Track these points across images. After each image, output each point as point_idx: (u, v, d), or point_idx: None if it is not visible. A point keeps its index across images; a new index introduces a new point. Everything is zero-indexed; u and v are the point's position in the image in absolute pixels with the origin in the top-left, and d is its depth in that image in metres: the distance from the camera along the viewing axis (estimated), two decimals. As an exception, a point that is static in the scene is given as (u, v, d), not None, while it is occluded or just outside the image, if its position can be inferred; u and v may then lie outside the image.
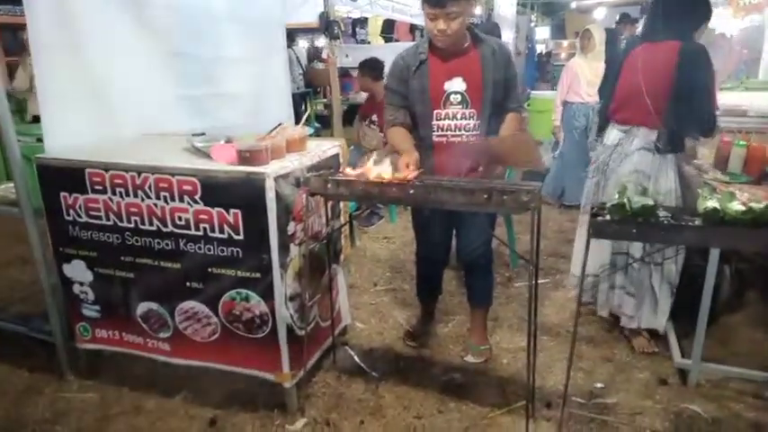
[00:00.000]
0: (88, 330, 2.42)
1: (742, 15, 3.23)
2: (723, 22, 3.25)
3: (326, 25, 4.48)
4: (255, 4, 3.58)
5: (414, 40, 12.04)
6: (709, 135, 2.44)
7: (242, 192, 1.97)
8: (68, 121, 2.41)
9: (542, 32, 16.16)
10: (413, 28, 12.31)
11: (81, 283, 2.35)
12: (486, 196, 1.79)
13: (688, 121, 2.35)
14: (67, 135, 2.38)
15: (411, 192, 1.91)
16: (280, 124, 2.17)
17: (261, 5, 3.63)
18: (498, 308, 3.05)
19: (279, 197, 1.98)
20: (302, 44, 9.29)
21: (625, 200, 1.64)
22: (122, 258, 2.23)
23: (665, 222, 1.63)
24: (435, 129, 2.31)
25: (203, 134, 2.56)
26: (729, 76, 3.53)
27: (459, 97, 2.27)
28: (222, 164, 2.04)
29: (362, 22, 11.22)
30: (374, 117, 4.61)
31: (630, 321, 2.65)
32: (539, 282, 3.51)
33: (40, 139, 2.45)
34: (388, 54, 6.92)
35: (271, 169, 1.95)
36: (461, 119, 2.28)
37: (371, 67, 4.69)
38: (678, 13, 2.36)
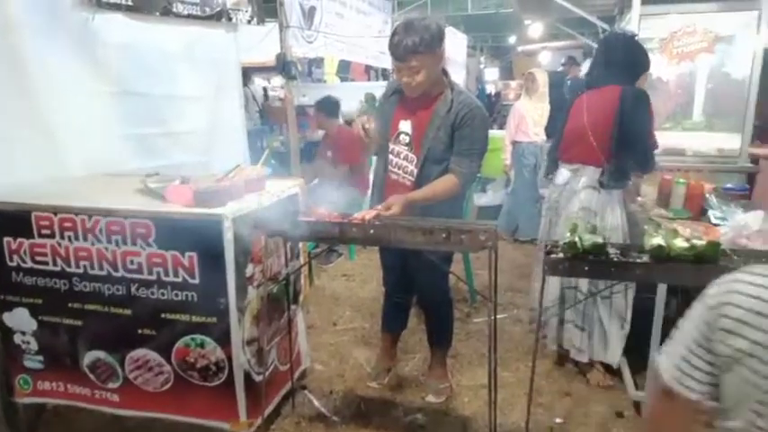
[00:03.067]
0: (29, 383, 2.28)
1: (676, 61, 3.47)
2: (660, 67, 3.48)
3: (284, 65, 4.52)
4: (209, 43, 3.60)
5: (369, 79, 12.33)
6: (649, 171, 2.61)
7: (198, 234, 1.93)
8: (15, 162, 2.33)
9: (491, 74, 16.83)
10: (368, 68, 12.62)
11: (23, 333, 2.22)
12: (444, 235, 1.82)
13: (629, 158, 2.49)
14: (13, 176, 2.29)
15: (371, 231, 1.92)
16: (237, 165, 2.16)
17: (214, 44, 3.66)
18: (458, 344, 3.06)
19: (237, 239, 1.95)
20: (258, 82, 9.32)
21: (576, 238, 1.70)
22: (70, 305, 2.12)
23: (615, 260, 1.70)
24: (390, 162, 2.35)
25: (157, 174, 2.52)
26: (668, 117, 3.76)
27: (407, 138, 2.31)
28: (177, 205, 2.00)
29: (318, 61, 11.42)
30: (328, 153, 4.65)
31: (580, 354, 2.71)
32: (497, 317, 3.63)
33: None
34: (344, 93, 7.07)
35: (228, 210, 1.93)
36: (404, 160, 2.32)
37: (327, 106, 4.76)
38: (620, 63, 2.53)
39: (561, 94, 6.10)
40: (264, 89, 9.48)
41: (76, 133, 2.61)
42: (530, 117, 4.96)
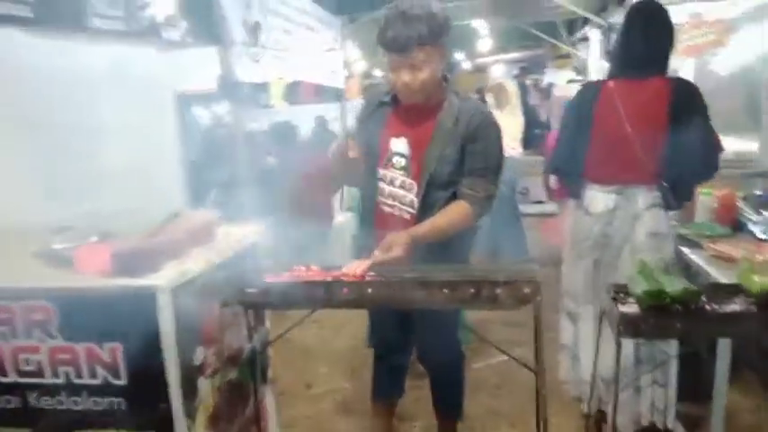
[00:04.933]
0: None
1: (683, 57, 3.14)
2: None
3: (230, 89, 3.97)
4: (137, 64, 3.02)
5: (320, 102, 11.86)
6: (711, 178, 2.10)
7: (121, 316, 1.36)
8: None
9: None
10: (318, 90, 12.17)
11: None
12: (472, 290, 1.32)
13: (691, 167, 2.00)
14: None
15: (370, 291, 1.40)
16: (176, 213, 1.60)
17: (143, 65, 3.08)
18: (462, 401, 2.55)
19: (179, 316, 1.38)
20: (197, 111, 8.66)
21: (662, 282, 1.23)
22: (-61, 427, 1.49)
23: (718, 312, 1.24)
24: (380, 191, 1.83)
25: (69, 228, 1.91)
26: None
27: (403, 161, 1.81)
28: (90, 276, 1.42)
29: (263, 86, 10.88)
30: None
31: (661, 418, 2.15)
32: (499, 359, 3.14)
33: None
34: (296, 117, 6.54)
35: (165, 278, 1.36)
36: (400, 187, 1.80)
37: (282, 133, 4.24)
38: (662, 44, 2.03)
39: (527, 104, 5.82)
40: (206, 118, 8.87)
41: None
42: (505, 131, 4.57)
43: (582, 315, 2.23)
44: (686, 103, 1.96)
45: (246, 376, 1.76)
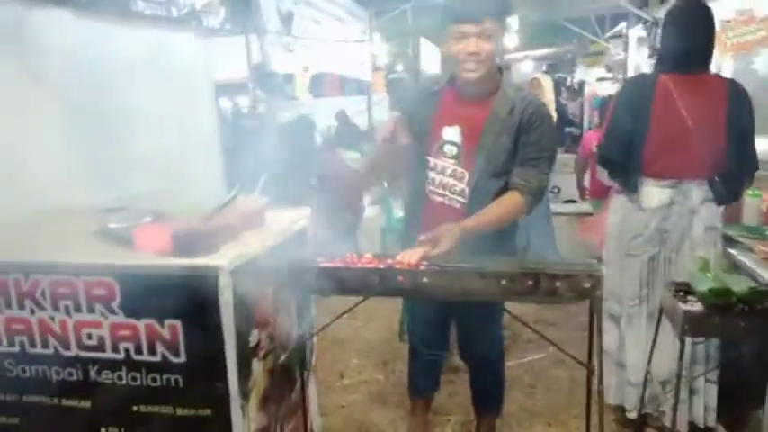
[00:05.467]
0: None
1: (731, 54, 3.07)
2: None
3: (264, 78, 3.99)
4: (176, 50, 3.05)
5: (343, 95, 11.86)
6: (753, 174, 2.11)
7: (182, 295, 1.38)
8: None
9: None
10: (342, 84, 12.17)
11: (-64, 436, 1.61)
12: (531, 282, 1.32)
13: (740, 164, 2.01)
14: None
15: (425, 280, 1.40)
16: (234, 195, 1.61)
17: (183, 51, 3.11)
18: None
19: (237, 298, 1.40)
20: (221, 102, 8.72)
21: (727, 281, 1.22)
22: (2, 397, 1.53)
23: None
24: (430, 180, 1.83)
25: (121, 209, 1.94)
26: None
27: (454, 150, 1.80)
28: (150, 255, 1.44)
29: (289, 77, 10.91)
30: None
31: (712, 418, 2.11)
32: (533, 358, 3.12)
33: None
34: (320, 110, 6.56)
35: (226, 259, 1.38)
36: (450, 176, 1.80)
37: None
38: (708, 43, 2.03)
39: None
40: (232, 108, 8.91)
41: (13, 162, 2.02)
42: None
43: (632, 315, 2.19)
44: (741, 103, 1.97)
45: (294, 361, 1.78)
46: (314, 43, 5.84)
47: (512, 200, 1.73)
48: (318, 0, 5.95)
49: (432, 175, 1.82)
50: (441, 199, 1.81)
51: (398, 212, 4.31)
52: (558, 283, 1.30)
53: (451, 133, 1.79)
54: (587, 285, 1.29)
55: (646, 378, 1.39)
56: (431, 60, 12.64)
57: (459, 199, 1.79)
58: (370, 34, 8.15)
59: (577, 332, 3.02)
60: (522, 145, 1.75)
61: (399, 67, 16.03)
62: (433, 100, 1.83)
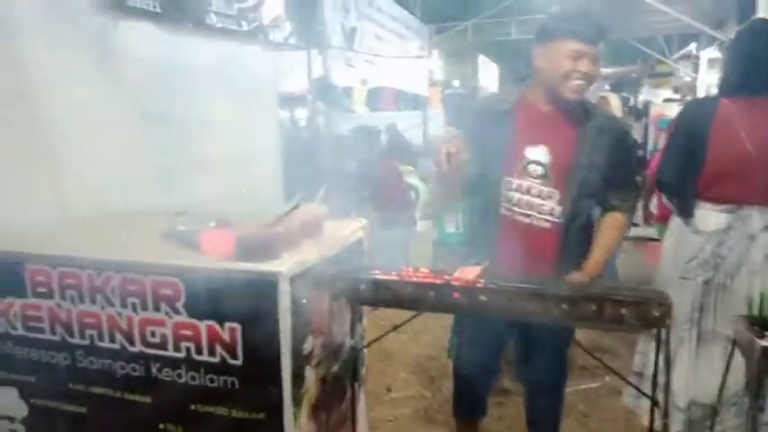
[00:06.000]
0: (17, 483, 1.75)
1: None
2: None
3: (325, 91, 4.09)
4: (244, 62, 3.17)
5: (398, 109, 11.98)
6: None
7: (243, 298, 1.41)
8: (11, 199, 1.86)
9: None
10: (397, 98, 12.29)
11: (11, 419, 1.71)
12: (594, 308, 1.27)
13: None
14: (7, 218, 1.81)
15: (482, 298, 1.38)
16: (297, 204, 1.65)
17: (250, 63, 3.23)
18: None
19: (295, 304, 1.43)
20: (291, 112, 9.00)
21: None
22: (71, 387, 1.61)
23: None
24: (509, 199, 1.81)
25: (186, 213, 2.02)
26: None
27: (540, 169, 1.78)
28: (214, 258, 1.49)
29: (346, 90, 11.13)
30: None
31: None
32: (588, 386, 3.00)
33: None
34: (377, 123, 6.65)
35: (286, 266, 1.41)
36: (536, 196, 1.78)
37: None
38: None
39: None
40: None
41: (89, 164, 2.15)
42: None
43: (683, 339, 2.12)
44: None
45: (345, 372, 1.78)
46: (373, 58, 5.93)
47: (617, 222, 1.79)
48: (382, 16, 6.06)
49: (512, 194, 1.80)
50: (525, 219, 1.79)
51: (450, 227, 4.29)
52: (623, 310, 1.26)
53: (537, 153, 1.77)
54: (656, 314, 1.23)
55: (717, 403, 1.33)
56: (488, 76, 12.60)
57: (548, 218, 1.78)
58: (428, 50, 8.20)
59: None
60: (613, 164, 1.77)
61: (456, 83, 16.08)
62: (506, 119, 1.81)
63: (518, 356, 2.04)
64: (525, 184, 1.78)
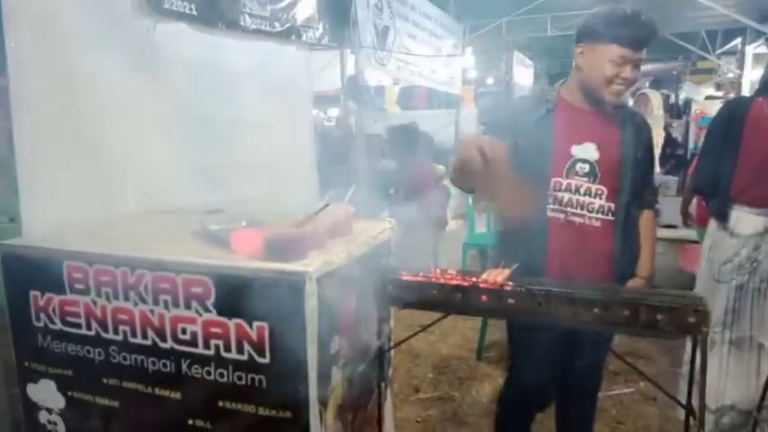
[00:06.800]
0: (55, 473, 1.81)
1: None
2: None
3: (357, 90, 4.10)
4: (278, 63, 3.21)
5: (431, 108, 11.90)
6: None
7: (271, 298, 1.42)
8: (55, 197, 1.93)
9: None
10: (429, 97, 12.21)
11: (49, 411, 1.77)
12: (627, 313, 1.23)
13: None
14: (52, 215, 1.88)
15: (510, 301, 1.36)
16: (327, 204, 1.66)
17: (284, 64, 3.26)
18: None
19: (322, 304, 1.43)
20: (324, 111, 9.08)
21: None
22: (105, 381, 1.65)
23: None
24: (559, 200, 1.77)
25: (219, 211, 2.05)
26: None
27: (587, 167, 1.76)
28: (245, 258, 1.51)
29: (379, 89, 11.11)
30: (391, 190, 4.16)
31: None
32: (621, 391, 2.92)
33: (12, 219, 1.95)
34: (415, 120, 6.62)
35: (313, 266, 1.42)
36: (585, 194, 1.76)
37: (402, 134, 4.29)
38: None
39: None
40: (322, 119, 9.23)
41: (132, 162, 2.21)
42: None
43: (715, 341, 2.08)
44: None
45: (372, 372, 1.78)
46: (406, 57, 5.90)
47: (653, 218, 1.85)
48: (415, 15, 6.02)
49: (563, 195, 1.77)
50: (575, 218, 1.77)
51: (481, 228, 4.24)
52: (659, 316, 1.21)
53: (584, 151, 1.75)
54: (692, 320, 1.19)
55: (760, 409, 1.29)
56: (523, 74, 12.41)
57: (599, 216, 1.76)
58: (462, 48, 8.12)
59: (672, 368, 2.82)
60: (644, 161, 1.81)
61: (490, 81, 15.87)
62: (547, 120, 1.78)
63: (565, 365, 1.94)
64: (574, 183, 1.76)
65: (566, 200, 1.76)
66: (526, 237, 1.75)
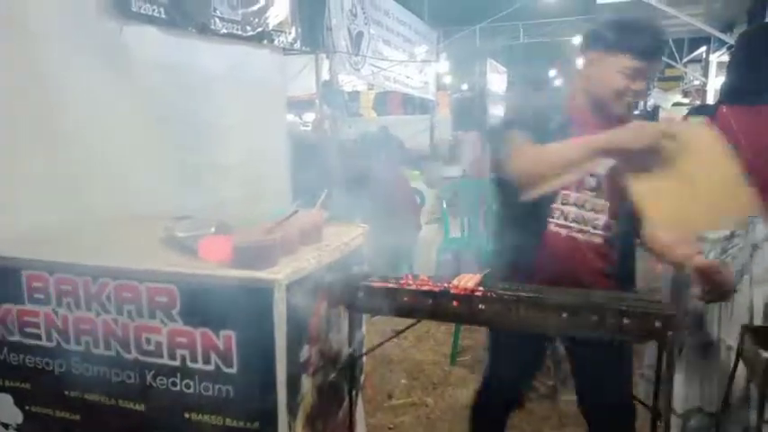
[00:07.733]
0: (12, 490, 1.74)
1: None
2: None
3: (331, 95, 4.09)
4: (252, 66, 3.18)
5: (405, 113, 11.95)
6: None
7: (238, 306, 1.39)
8: (21, 201, 1.87)
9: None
10: (404, 102, 12.28)
11: (6, 426, 1.70)
12: (595, 318, 1.24)
13: None
14: (16, 220, 1.82)
15: (481, 307, 1.35)
16: (296, 210, 1.63)
17: (258, 67, 3.23)
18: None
19: (291, 312, 1.41)
20: (297, 116, 9.02)
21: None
22: (66, 393, 1.60)
23: None
24: (563, 214, 1.68)
25: (188, 218, 2.01)
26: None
27: (593, 182, 1.66)
28: (211, 265, 1.47)
29: (354, 95, 11.12)
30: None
31: None
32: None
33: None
34: (390, 125, 6.61)
35: (282, 274, 1.39)
36: (590, 210, 1.65)
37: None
38: None
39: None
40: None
41: (100, 166, 2.16)
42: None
43: (682, 344, 2.11)
44: None
45: (343, 380, 1.76)
46: (381, 62, 5.92)
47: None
48: (390, 21, 6.05)
49: (568, 209, 1.67)
50: (578, 234, 1.66)
51: (455, 232, 4.26)
52: (625, 321, 1.22)
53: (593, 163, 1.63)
54: (658, 325, 1.20)
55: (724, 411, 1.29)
56: (497, 80, 12.57)
57: (601, 233, 1.65)
58: (436, 54, 8.18)
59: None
60: None
61: (464, 87, 16.03)
62: (560, 130, 1.64)
63: (577, 381, 1.85)
64: (582, 197, 1.67)
65: (572, 215, 1.66)
66: (517, 249, 1.67)
